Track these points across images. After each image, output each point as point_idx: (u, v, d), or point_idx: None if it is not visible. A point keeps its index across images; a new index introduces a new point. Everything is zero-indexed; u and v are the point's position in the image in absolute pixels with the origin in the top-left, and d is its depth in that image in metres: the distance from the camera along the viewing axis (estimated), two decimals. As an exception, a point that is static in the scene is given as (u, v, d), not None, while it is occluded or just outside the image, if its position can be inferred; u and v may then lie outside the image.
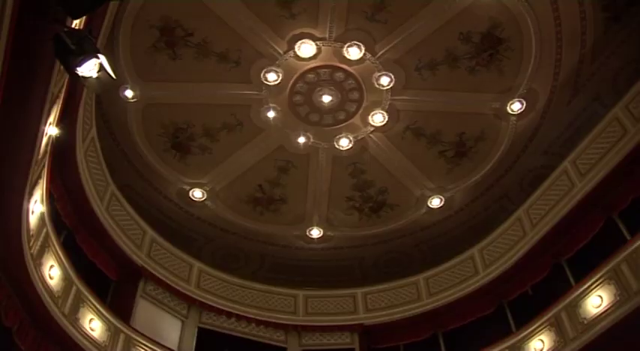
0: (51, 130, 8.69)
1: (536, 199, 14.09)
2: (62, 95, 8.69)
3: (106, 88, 7.05)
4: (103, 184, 13.45)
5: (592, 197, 12.63)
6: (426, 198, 16.16)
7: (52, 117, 8.49)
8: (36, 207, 9.46)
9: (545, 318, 12.51)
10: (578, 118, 14.10)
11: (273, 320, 15.86)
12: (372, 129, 14.91)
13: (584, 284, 11.87)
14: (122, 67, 13.20)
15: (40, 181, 9.39)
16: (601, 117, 12.87)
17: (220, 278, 16.01)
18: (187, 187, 15.68)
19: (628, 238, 11.69)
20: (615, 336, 10.93)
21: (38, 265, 10.06)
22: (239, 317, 15.51)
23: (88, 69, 6.59)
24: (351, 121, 14.80)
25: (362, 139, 15.12)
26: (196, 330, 14.94)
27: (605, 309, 11.19)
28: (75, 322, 11.19)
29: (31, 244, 9.61)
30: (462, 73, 13.74)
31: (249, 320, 15.62)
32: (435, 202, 16.24)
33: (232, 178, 15.68)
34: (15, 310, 9.91)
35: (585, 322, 11.57)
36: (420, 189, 16.00)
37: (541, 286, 13.69)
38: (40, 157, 8.51)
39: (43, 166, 9.22)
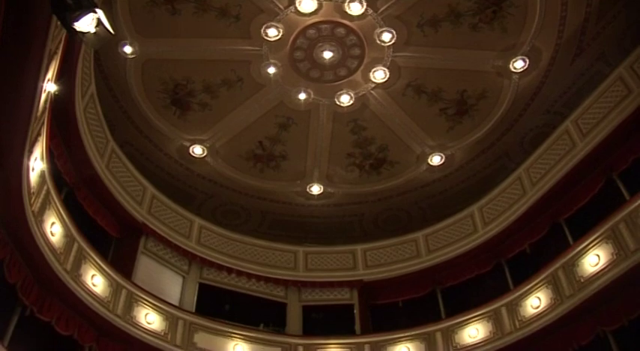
0: (49, 86, 8.59)
1: (536, 158, 14.08)
2: (60, 51, 8.56)
3: (105, 43, 6.98)
4: (103, 141, 13.41)
5: (593, 157, 12.61)
6: (426, 155, 16.13)
7: (51, 73, 8.39)
8: (36, 164, 9.44)
9: (542, 276, 12.65)
10: (581, 77, 13.95)
11: (274, 276, 16.03)
12: (373, 85, 14.78)
13: (582, 243, 11.97)
14: (120, 22, 13.00)
15: (40, 139, 9.34)
16: (604, 77, 12.76)
17: (221, 234, 16.13)
18: (187, 144, 15.65)
19: (627, 198, 11.73)
20: (611, 294, 11.09)
21: (40, 223, 10.10)
22: (239, 273, 15.67)
23: (86, 24, 6.50)
24: (352, 77, 14.66)
25: (363, 95, 15.01)
26: (197, 286, 15.13)
27: (602, 268, 11.31)
28: (77, 278, 11.30)
29: (32, 201, 9.63)
30: (465, 30, 13.53)
31: (249, 276, 15.79)
32: (436, 160, 16.22)
33: (232, 134, 15.63)
34: (18, 266, 10.00)
35: (582, 280, 11.70)
36: (420, 146, 15.96)
37: (539, 245, 13.80)
38: (39, 114, 8.44)
39: (43, 123, 9.16)
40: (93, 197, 13.20)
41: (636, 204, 11.04)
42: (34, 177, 9.44)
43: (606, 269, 11.25)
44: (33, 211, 9.72)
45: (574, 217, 13.14)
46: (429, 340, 14.05)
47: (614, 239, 11.28)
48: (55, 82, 8.92)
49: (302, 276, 16.29)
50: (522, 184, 14.27)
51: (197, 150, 15.78)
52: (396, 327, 14.76)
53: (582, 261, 11.85)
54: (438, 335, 14.00)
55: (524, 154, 14.90)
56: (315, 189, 16.95)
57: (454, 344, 13.68)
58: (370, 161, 16.45)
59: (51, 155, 10.76)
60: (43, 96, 8.30)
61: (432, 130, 15.59)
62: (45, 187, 10.31)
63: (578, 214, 13.04)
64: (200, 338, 13.52)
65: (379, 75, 14.48)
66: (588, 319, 11.57)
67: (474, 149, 15.90)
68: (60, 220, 11.03)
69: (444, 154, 16.07)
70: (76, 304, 11.24)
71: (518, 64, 14.05)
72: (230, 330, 14.10)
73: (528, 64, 14.01)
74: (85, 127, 12.29)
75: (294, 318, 15.53)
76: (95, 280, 11.86)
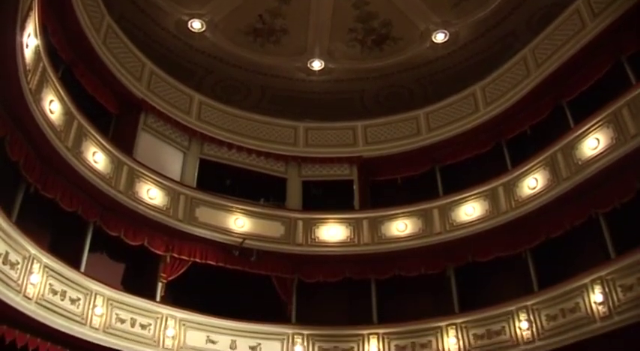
0: (38, -41, 8.21)
1: (543, 38, 13.73)
2: None
3: None
4: (98, 15, 13.00)
5: (602, 39, 12.29)
6: (430, 32, 15.66)
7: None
8: (30, 41, 9.18)
9: (541, 158, 12.77)
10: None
11: (274, 151, 16.16)
12: (376, -43, 14.10)
13: (583, 126, 11.98)
14: None
15: (32, 14, 9.00)
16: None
17: (221, 110, 16.07)
18: (186, 18, 15.12)
19: (633, 82, 11.56)
20: (606, 178, 11.27)
21: (38, 101, 10.02)
22: (240, 148, 15.79)
23: None
24: (355, -52, 13.96)
25: (367, -33, 14.35)
26: (198, 161, 15.29)
27: (601, 151, 11.42)
28: (78, 155, 11.38)
29: (29, 78, 9.49)
30: None
31: (249, 151, 15.91)
32: (440, 37, 15.76)
33: (232, 8, 15.04)
34: (19, 144, 10.06)
35: (580, 163, 11.83)
36: (424, 22, 15.46)
37: (540, 127, 13.79)
38: (28, -14, 8.13)
39: (33, -4, 8.82)
40: (90, 74, 12.99)
41: (642, 88, 10.92)
42: (28, 53, 9.24)
43: (605, 153, 11.35)
44: (30, 89, 9.61)
45: (577, 100, 13.01)
46: (426, 217, 14.40)
47: (615, 123, 11.28)
48: (45, -45, 8.50)
49: (302, 151, 16.40)
50: (527, 65, 14.02)
51: (196, 24, 15.27)
52: (395, 203, 15.07)
53: (582, 144, 11.92)
54: (435, 212, 14.34)
55: (531, 33, 14.44)
56: (316, 64, 16.63)
57: (450, 221, 14.04)
58: (373, 37, 16.00)
59: (45, 32, 10.48)
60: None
61: (437, 6, 14.99)
62: (41, 65, 10.12)
63: (581, 98, 12.89)
64: (201, 212, 13.86)
65: (385, -54, 13.77)
66: (582, 201, 11.81)
67: (479, 27, 15.38)
68: (58, 97, 10.93)
69: (449, 32, 15.58)
70: (78, 180, 11.42)
71: (530, -63, 13.33)
72: (231, 204, 14.41)
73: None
74: (78, 0, 11.87)
75: (294, 193, 15.83)
76: (96, 157, 11.95)
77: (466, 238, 13.66)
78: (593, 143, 11.63)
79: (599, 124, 11.62)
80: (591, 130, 11.77)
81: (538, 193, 12.54)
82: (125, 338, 11.63)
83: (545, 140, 12.92)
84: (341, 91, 17.44)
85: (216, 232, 13.85)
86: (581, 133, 11.96)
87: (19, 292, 9.64)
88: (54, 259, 10.58)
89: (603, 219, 11.56)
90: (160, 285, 12.92)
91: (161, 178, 13.53)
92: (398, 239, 14.44)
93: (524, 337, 12.03)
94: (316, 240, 14.74)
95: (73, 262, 11.20)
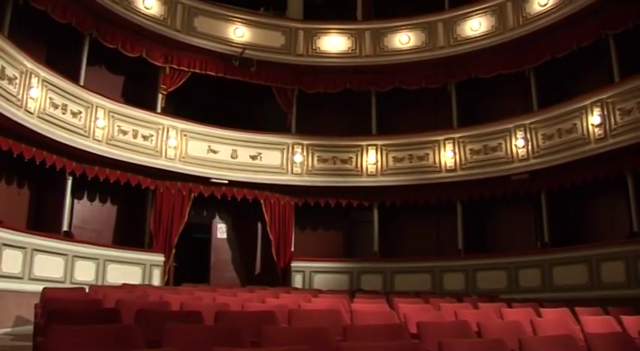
0: None
1: None
2: None
3: None
4: None
5: None
6: None
7: None
8: None
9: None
10: None
11: None
12: None
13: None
14: None
15: None
16: None
17: None
18: None
19: None
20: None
21: None
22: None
23: None
24: None
25: None
26: (195, -34, 14.43)
27: None
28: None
29: None
30: None
31: None
32: None
33: None
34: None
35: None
36: None
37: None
38: None
39: None
40: None
41: None
42: None
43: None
44: None
45: None
46: (430, 30, 14.00)
47: None
48: None
49: None
50: None
51: None
52: (398, 15, 14.56)
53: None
54: (440, 25, 13.91)
55: None
56: None
57: (455, 35, 13.67)
58: None
59: None
60: None
61: None
62: None
63: None
64: (200, 22, 13.43)
65: None
66: (593, 20, 11.41)
67: None
68: None
69: None
70: None
71: None
72: (230, 14, 13.92)
73: None
74: None
75: (295, 2, 15.13)
76: (87, -36, 11.29)
77: (470, 54, 13.41)
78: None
79: None
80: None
81: (548, 11, 12.05)
82: (128, 149, 11.94)
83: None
84: None
85: (216, 42, 13.53)
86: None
87: (20, 106, 9.69)
88: (52, 73, 10.50)
89: (612, 40, 11.22)
90: (160, 96, 12.95)
91: None
92: (400, 52, 14.16)
93: (520, 154, 12.36)
94: (317, 50, 14.45)
95: (72, 76, 11.11)
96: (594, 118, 11.07)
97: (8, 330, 8.78)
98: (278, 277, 13.58)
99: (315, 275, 13.51)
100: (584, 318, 6.31)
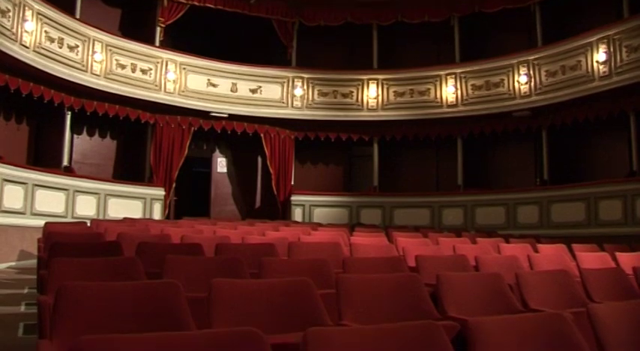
0: None
1: None
2: None
3: None
4: None
5: None
6: None
7: None
8: None
9: None
10: None
11: None
12: None
13: None
14: None
15: None
16: None
17: None
18: None
19: None
20: None
21: None
22: None
23: None
24: None
25: None
26: None
27: None
28: None
29: None
30: None
31: None
32: None
33: None
34: None
35: None
36: None
37: None
38: None
39: None
40: None
41: None
42: None
43: None
44: None
45: None
46: (433, -39, 13.63)
47: None
48: None
49: None
50: None
51: None
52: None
53: None
54: (444, -44, 13.52)
55: None
56: None
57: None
58: None
59: None
60: None
61: None
62: None
63: None
64: (198, -48, 13.07)
65: None
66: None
67: None
68: None
69: None
70: None
71: None
72: None
73: None
74: None
75: None
76: None
77: (474, -14, 13.10)
78: None
79: None
80: None
81: None
82: (127, 83, 11.82)
83: None
84: None
85: (215, -27, 13.21)
86: None
87: (15, 40, 9.53)
88: (46, 6, 10.28)
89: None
90: (158, 30, 12.72)
91: None
92: (402, -16, 13.84)
93: (522, 90, 12.23)
94: (318, -18, 14.12)
95: (68, 9, 10.87)
96: (600, 55, 10.88)
97: (13, 264, 8.91)
98: (278, 210, 13.70)
99: (314, 209, 13.62)
100: (580, 254, 6.40)
